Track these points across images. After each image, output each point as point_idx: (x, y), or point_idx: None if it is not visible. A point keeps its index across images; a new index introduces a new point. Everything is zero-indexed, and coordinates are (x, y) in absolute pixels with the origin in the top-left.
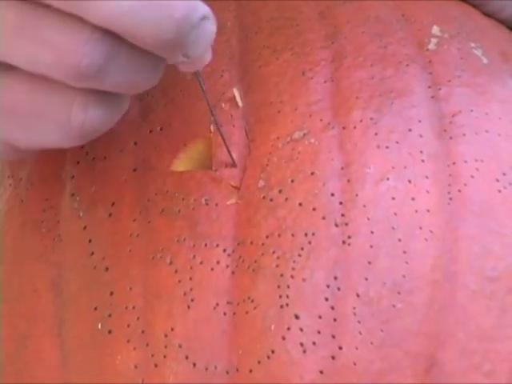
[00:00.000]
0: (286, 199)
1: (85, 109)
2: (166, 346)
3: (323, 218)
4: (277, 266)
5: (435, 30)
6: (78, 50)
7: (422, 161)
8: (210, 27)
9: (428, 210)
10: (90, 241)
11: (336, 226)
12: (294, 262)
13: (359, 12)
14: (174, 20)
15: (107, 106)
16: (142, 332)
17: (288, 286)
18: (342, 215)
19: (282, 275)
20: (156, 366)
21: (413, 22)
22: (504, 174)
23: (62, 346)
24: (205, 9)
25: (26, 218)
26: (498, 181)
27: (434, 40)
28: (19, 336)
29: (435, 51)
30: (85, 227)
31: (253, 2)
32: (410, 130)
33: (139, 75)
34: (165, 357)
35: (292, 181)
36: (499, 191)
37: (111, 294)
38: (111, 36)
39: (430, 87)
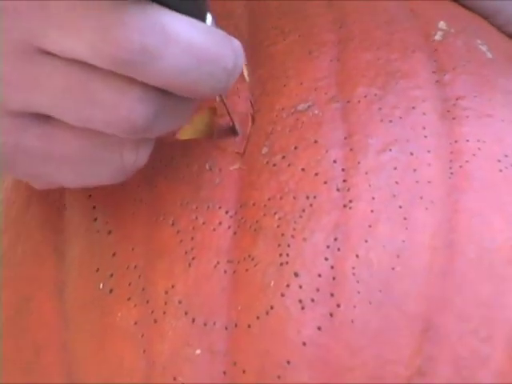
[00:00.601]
0: (289, 165)
1: (136, 149)
2: (165, 303)
3: (325, 183)
4: (278, 226)
5: (442, 24)
6: (131, 109)
7: (425, 136)
8: (243, 58)
9: (429, 182)
10: (94, 207)
11: (337, 190)
12: (295, 222)
13: (367, 3)
14: (227, 71)
15: (152, 143)
16: (143, 290)
17: (288, 245)
18: (344, 181)
19: (282, 235)
20: (155, 321)
21: (420, 17)
22: (506, 156)
23: (64, 308)
24: (239, 44)
25: (32, 191)
26: (499, 161)
27: (440, 33)
28: (21, 299)
29: (441, 42)
30: (90, 196)
31: None
32: (413, 107)
33: (183, 117)
34: (164, 313)
35: (295, 148)
36: (500, 171)
37: (113, 254)
38: (161, 91)
39: (434, 72)
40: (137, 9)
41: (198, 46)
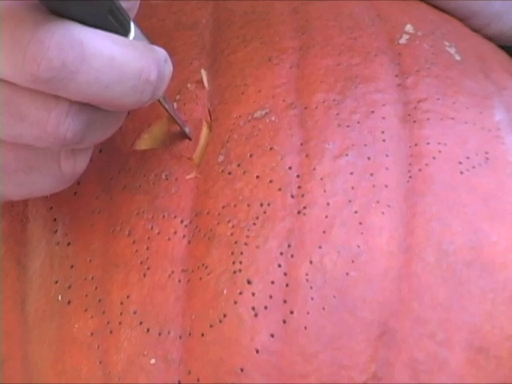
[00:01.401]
0: (244, 172)
1: (73, 157)
2: (121, 313)
3: (279, 190)
4: (231, 234)
5: (408, 27)
6: (59, 124)
7: (383, 140)
8: (170, 66)
9: (386, 186)
10: (54, 219)
11: (292, 197)
12: (248, 230)
13: (332, 8)
14: (150, 83)
15: (91, 150)
16: (100, 301)
17: (241, 253)
18: (299, 187)
19: (235, 242)
20: (111, 332)
21: (387, 21)
22: (468, 158)
23: (25, 320)
24: (163, 52)
25: None
26: (460, 163)
27: (405, 36)
28: None
29: (406, 45)
30: (51, 207)
31: (229, 1)
32: (372, 112)
33: (115, 126)
34: (120, 323)
35: (251, 155)
36: (461, 173)
37: (72, 266)
38: (88, 105)
39: (397, 76)
40: (54, 26)
41: (117, 60)
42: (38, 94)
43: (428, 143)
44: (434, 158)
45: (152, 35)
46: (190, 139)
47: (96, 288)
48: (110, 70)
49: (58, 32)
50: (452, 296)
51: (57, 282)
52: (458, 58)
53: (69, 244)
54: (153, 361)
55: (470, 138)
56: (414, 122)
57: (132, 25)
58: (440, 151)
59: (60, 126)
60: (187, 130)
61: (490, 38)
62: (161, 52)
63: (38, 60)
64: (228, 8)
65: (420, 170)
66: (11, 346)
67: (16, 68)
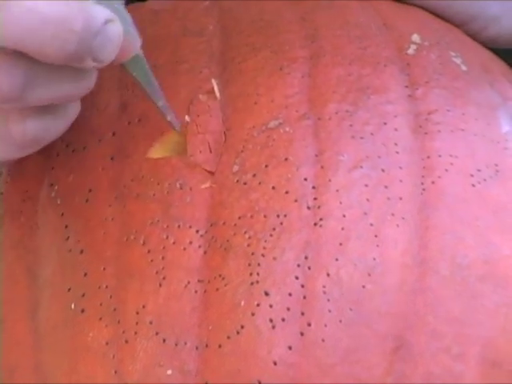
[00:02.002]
0: (260, 183)
1: (22, 121)
2: (137, 323)
3: (295, 201)
4: (248, 245)
5: (415, 37)
6: (13, 83)
7: (397, 152)
8: (115, 29)
9: (400, 198)
10: (66, 226)
11: (308, 208)
12: (265, 241)
13: (340, 17)
14: (75, 33)
15: (47, 115)
16: (114, 310)
17: (259, 264)
18: (315, 199)
19: (252, 253)
20: (127, 341)
21: (393, 30)
22: (478, 170)
23: (37, 328)
24: (106, 13)
25: (5, 209)
26: (472, 176)
27: (413, 46)
28: None
29: (414, 55)
30: (62, 214)
31: (235, 8)
32: (385, 123)
33: (65, 86)
34: (135, 333)
35: (266, 166)
36: (473, 185)
37: (85, 274)
38: (25, 58)
39: (407, 87)
40: None
41: (41, 7)
42: None
43: (440, 155)
44: (446, 170)
45: (158, 41)
46: (174, 129)
47: (111, 297)
48: (32, 15)
49: None
50: (466, 310)
51: (69, 289)
52: (464, 68)
53: (81, 252)
54: (169, 372)
55: (480, 150)
56: (426, 133)
57: None
58: (452, 163)
59: (7, 76)
60: (169, 118)
61: (487, 42)
62: (100, 11)
63: None
64: (234, 15)
65: (433, 182)
66: (22, 355)
67: None
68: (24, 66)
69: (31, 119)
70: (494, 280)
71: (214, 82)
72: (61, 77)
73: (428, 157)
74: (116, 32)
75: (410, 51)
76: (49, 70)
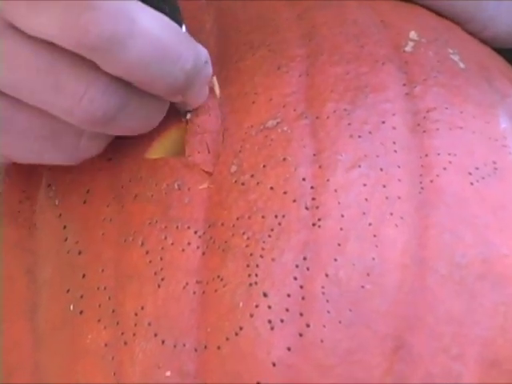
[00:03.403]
0: (258, 183)
1: (94, 139)
2: (135, 325)
3: (294, 201)
4: (246, 246)
5: (413, 34)
6: (95, 100)
7: (395, 151)
8: (209, 70)
9: (399, 197)
10: (64, 227)
11: (306, 208)
12: (263, 242)
13: (337, 15)
14: (185, 71)
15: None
16: (113, 311)
17: (257, 265)
18: (313, 199)
19: (251, 254)
20: (126, 343)
21: (391, 27)
22: (477, 169)
23: (35, 329)
24: (205, 53)
25: (3, 209)
26: (470, 174)
27: (410, 43)
28: None
29: (411, 53)
30: (60, 215)
31: (232, 6)
32: (383, 122)
33: (145, 119)
34: (134, 335)
35: (264, 166)
36: (471, 184)
37: (83, 276)
38: (124, 85)
39: (405, 85)
40: None
41: (162, 42)
42: (79, 66)
43: (438, 154)
44: (444, 168)
45: None
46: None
47: (109, 298)
48: (153, 49)
49: (113, 3)
50: (465, 310)
51: (68, 291)
52: (462, 65)
53: (80, 253)
54: (168, 373)
55: (478, 148)
56: (424, 132)
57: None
58: (450, 162)
59: (94, 102)
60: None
61: (485, 42)
62: (202, 51)
63: (88, 25)
64: (232, 13)
65: (431, 181)
66: (21, 356)
67: (64, 29)
68: (123, 94)
69: (100, 141)
70: (493, 279)
71: (214, 80)
72: (147, 111)
73: (426, 155)
74: (209, 72)
75: (408, 48)
76: (140, 104)
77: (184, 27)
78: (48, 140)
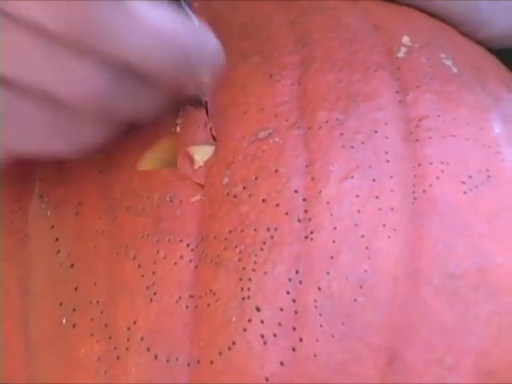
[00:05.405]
0: (250, 195)
1: (97, 125)
2: (128, 339)
3: (286, 214)
4: (239, 259)
5: (405, 39)
6: (91, 76)
7: (387, 161)
8: (218, 59)
9: (392, 208)
10: (56, 239)
11: (299, 221)
12: (255, 255)
13: (330, 20)
14: (189, 64)
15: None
16: (106, 325)
17: (250, 279)
18: (305, 211)
19: (243, 268)
20: (118, 358)
21: (383, 32)
22: (470, 177)
23: (27, 342)
24: (214, 42)
25: None
26: (463, 183)
27: (403, 49)
28: None
29: (404, 59)
30: (52, 226)
31: (224, 10)
32: (375, 131)
33: (145, 103)
34: (127, 349)
35: (256, 178)
36: (464, 193)
37: (76, 289)
38: (129, 74)
39: (397, 92)
40: None
41: (159, 29)
42: (84, 51)
43: (431, 163)
44: (437, 178)
45: None
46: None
47: (102, 312)
48: (152, 39)
49: None
50: (459, 320)
51: (61, 304)
52: (455, 70)
53: (72, 265)
54: None
55: (471, 156)
56: (417, 140)
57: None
58: (443, 171)
59: (91, 78)
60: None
61: (480, 43)
62: (210, 40)
63: (82, 11)
64: (225, 19)
65: (424, 191)
66: (14, 368)
67: (58, 15)
68: (121, 77)
69: (103, 129)
70: (487, 289)
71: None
72: (146, 94)
73: (419, 164)
74: (218, 62)
75: (401, 54)
76: (139, 89)
77: (194, 16)
78: (51, 126)
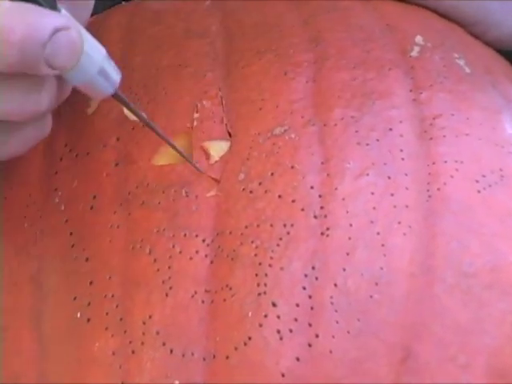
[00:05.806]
0: (266, 191)
1: None
2: (143, 333)
3: (302, 210)
4: (255, 255)
5: (418, 39)
6: None
7: (402, 159)
8: (68, 37)
9: (407, 206)
10: (70, 233)
11: (315, 217)
12: (272, 251)
13: (343, 20)
14: (13, 44)
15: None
16: (121, 319)
17: (266, 275)
18: (321, 207)
19: (260, 264)
20: (133, 352)
21: (397, 32)
22: (483, 176)
23: (41, 337)
24: (57, 21)
25: (9, 214)
26: (477, 182)
27: (416, 48)
28: None
29: (418, 58)
30: (66, 220)
31: (237, 9)
32: (390, 129)
33: (15, 98)
34: (142, 343)
35: (272, 174)
36: (478, 192)
37: (91, 283)
38: None
39: (411, 91)
40: None
41: None
42: None
43: (445, 161)
44: (451, 176)
45: (162, 43)
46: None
47: (117, 306)
48: None
49: None
50: (472, 319)
51: (75, 298)
52: (467, 70)
53: (87, 259)
54: (176, 382)
55: (484, 155)
56: (431, 139)
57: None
58: (457, 169)
59: None
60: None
61: (489, 44)
62: (50, 20)
63: None
64: (237, 18)
65: (439, 189)
66: (25, 364)
67: None
68: None
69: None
70: (500, 288)
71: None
72: (11, 88)
73: (433, 163)
74: (70, 39)
75: (414, 53)
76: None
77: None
78: None
